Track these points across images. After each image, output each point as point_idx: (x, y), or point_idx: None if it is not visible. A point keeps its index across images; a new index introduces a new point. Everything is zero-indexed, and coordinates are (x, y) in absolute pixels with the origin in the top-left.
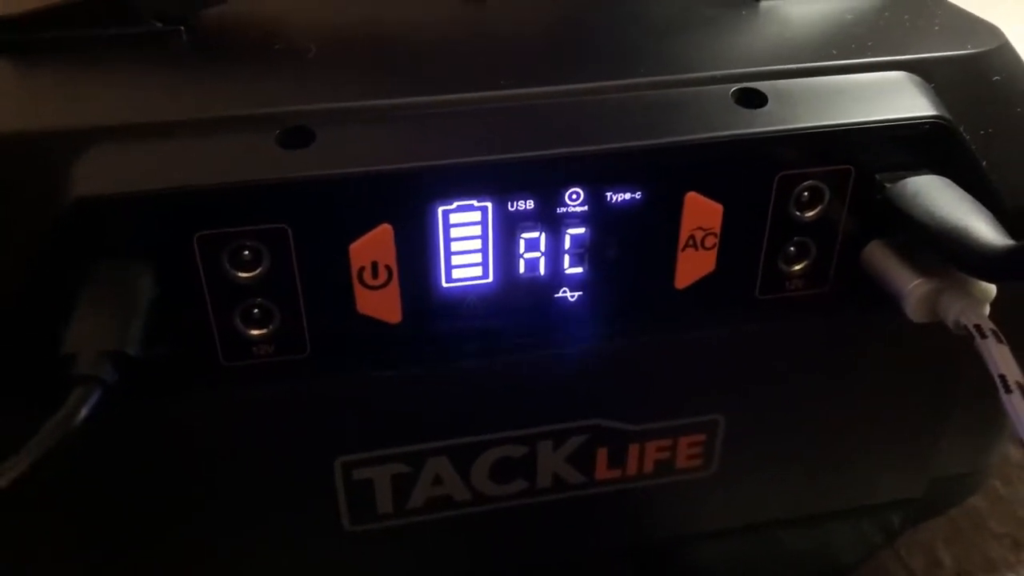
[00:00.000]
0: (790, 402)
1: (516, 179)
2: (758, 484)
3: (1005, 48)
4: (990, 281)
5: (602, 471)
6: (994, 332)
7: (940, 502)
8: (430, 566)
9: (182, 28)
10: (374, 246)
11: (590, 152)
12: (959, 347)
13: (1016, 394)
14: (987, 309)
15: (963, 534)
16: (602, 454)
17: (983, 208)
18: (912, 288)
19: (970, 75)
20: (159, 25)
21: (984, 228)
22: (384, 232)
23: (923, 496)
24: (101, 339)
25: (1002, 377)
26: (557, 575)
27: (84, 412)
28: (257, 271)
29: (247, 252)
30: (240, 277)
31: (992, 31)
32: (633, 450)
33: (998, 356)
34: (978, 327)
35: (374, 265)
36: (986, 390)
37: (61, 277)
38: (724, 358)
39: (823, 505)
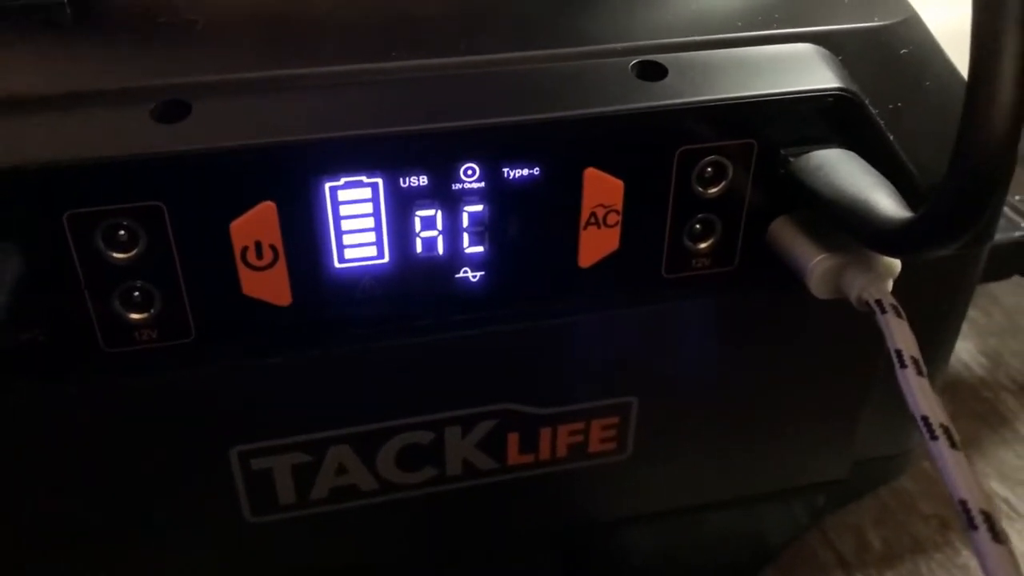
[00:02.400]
0: (704, 383)
1: (407, 154)
2: (676, 467)
3: (913, 20)
4: (891, 255)
5: (514, 456)
6: (894, 307)
7: (866, 483)
8: (338, 557)
9: (66, 1)
10: (256, 225)
11: (484, 125)
12: (877, 327)
13: (910, 368)
14: (890, 285)
15: (892, 516)
16: (513, 439)
17: (886, 181)
18: (815, 264)
19: (878, 47)
20: None
21: (885, 201)
22: (267, 210)
23: (848, 478)
24: None
25: (898, 352)
26: (473, 564)
27: None
28: (134, 252)
29: (122, 232)
30: (116, 258)
31: (899, 3)
32: (545, 434)
33: (896, 331)
34: (879, 302)
35: (258, 245)
36: None
37: None
38: (633, 338)
39: (745, 488)
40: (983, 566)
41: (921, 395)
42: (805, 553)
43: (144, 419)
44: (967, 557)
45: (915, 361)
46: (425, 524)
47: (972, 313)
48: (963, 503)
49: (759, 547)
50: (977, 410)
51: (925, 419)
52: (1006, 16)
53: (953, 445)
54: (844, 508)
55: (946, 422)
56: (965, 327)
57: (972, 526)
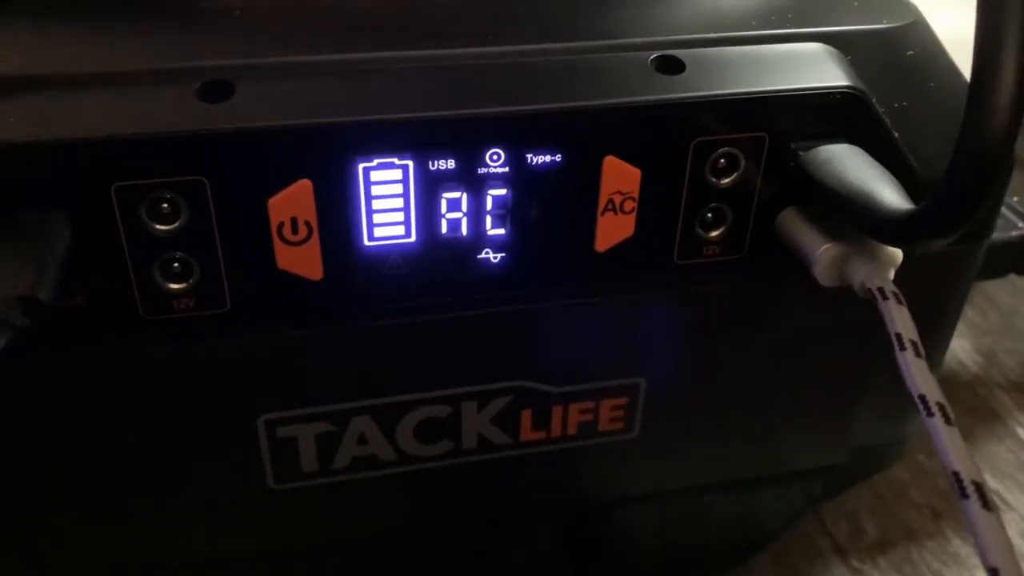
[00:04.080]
0: (710, 367)
1: (437, 138)
2: (681, 449)
3: (919, 24)
4: (894, 245)
5: (527, 432)
6: (895, 294)
7: (861, 471)
8: (356, 525)
9: None
10: (293, 201)
11: (510, 113)
12: (877, 318)
13: (909, 351)
14: (892, 273)
15: (886, 504)
16: (526, 415)
17: (890, 175)
18: (820, 253)
19: (885, 49)
20: None
21: (889, 193)
22: (303, 187)
23: (845, 464)
24: (13, 284)
25: (898, 335)
26: (483, 537)
27: None
28: (176, 224)
29: (165, 205)
30: (159, 230)
31: (907, 7)
32: (557, 412)
33: (896, 316)
34: (880, 289)
35: (293, 221)
36: None
37: None
38: (645, 322)
39: (747, 471)
40: (974, 532)
41: (919, 375)
42: (801, 538)
43: (178, 385)
44: (958, 545)
45: (914, 344)
46: (440, 495)
47: (968, 312)
48: (956, 474)
49: (757, 531)
50: (971, 406)
51: (922, 397)
52: (1008, 16)
53: (948, 421)
54: (840, 496)
55: (942, 400)
56: (962, 326)
57: (964, 495)
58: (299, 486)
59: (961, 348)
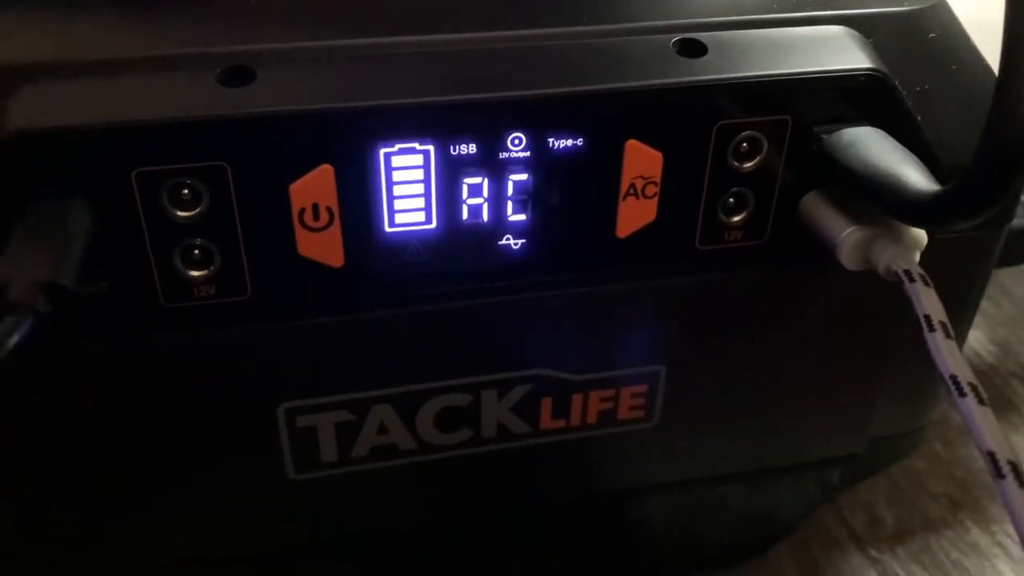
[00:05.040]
0: (731, 355)
1: (458, 122)
2: (700, 438)
3: (941, 6)
4: (919, 227)
5: (546, 421)
6: (922, 276)
7: (879, 461)
8: (375, 515)
9: None
10: (315, 187)
11: (531, 96)
12: (898, 305)
13: (939, 332)
14: (917, 256)
15: (903, 494)
16: (546, 404)
17: (914, 157)
18: (846, 236)
19: (907, 31)
20: None
21: (915, 175)
22: (325, 172)
23: (863, 453)
24: (36, 270)
25: (927, 317)
26: (502, 526)
27: (14, 340)
28: (196, 210)
29: (186, 191)
30: (179, 216)
31: None
32: (576, 400)
33: (924, 298)
34: (907, 272)
35: (315, 207)
36: (925, 350)
37: None
38: (665, 309)
39: (766, 460)
40: (1011, 511)
41: (950, 356)
42: (819, 529)
43: (199, 373)
44: (977, 535)
45: (943, 325)
46: (459, 484)
47: (983, 303)
48: (991, 454)
49: (775, 521)
50: (987, 396)
51: (954, 377)
52: None
53: (981, 401)
54: (857, 486)
55: (973, 380)
56: (975, 316)
57: (1000, 475)
58: (319, 476)
59: (975, 338)
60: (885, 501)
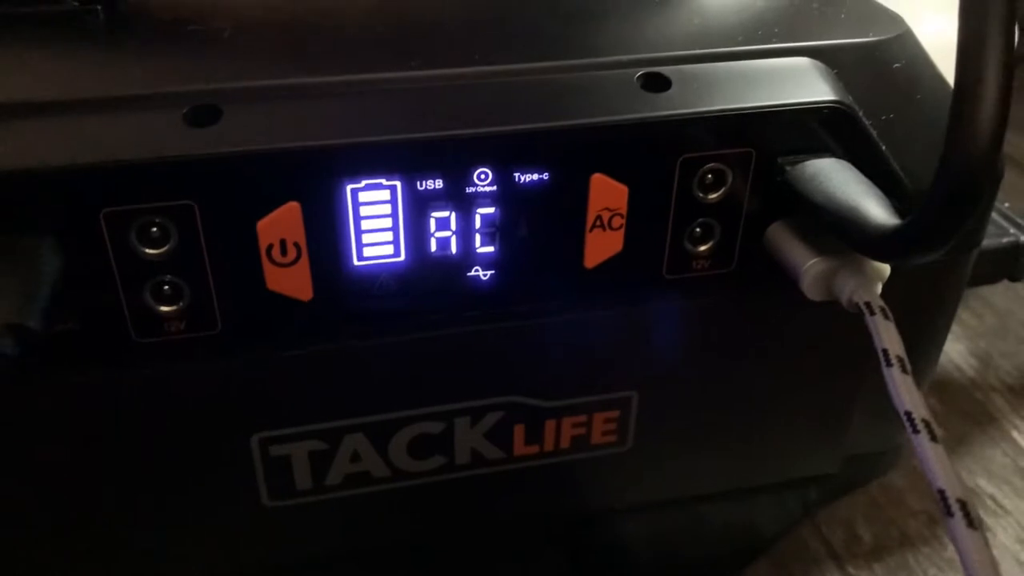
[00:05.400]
0: (701, 379)
1: (425, 158)
2: (674, 460)
3: (906, 36)
4: (880, 260)
5: (520, 447)
6: (883, 309)
7: (857, 478)
8: (350, 541)
9: (99, 7)
10: (282, 224)
11: (497, 133)
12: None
13: (896, 367)
14: (879, 288)
15: (882, 510)
16: (519, 430)
17: (876, 190)
18: (808, 267)
19: (873, 62)
20: (76, 4)
21: (875, 209)
22: (291, 210)
23: (839, 472)
24: (2, 312)
25: (884, 351)
26: (478, 551)
27: None
28: (165, 248)
29: (155, 229)
30: (148, 254)
31: (894, 19)
32: (549, 426)
33: (883, 331)
34: (868, 304)
35: (282, 242)
36: None
37: None
38: (635, 336)
39: (740, 480)
40: (958, 549)
41: (905, 392)
42: (798, 545)
43: (171, 407)
44: (954, 551)
45: (900, 360)
46: (434, 510)
47: (964, 315)
48: (941, 492)
49: (753, 539)
50: (967, 410)
51: (908, 414)
52: (989, 32)
53: (933, 438)
54: (835, 502)
55: (928, 417)
56: (957, 329)
57: (949, 513)
58: (293, 503)
59: (957, 351)
60: (864, 518)
